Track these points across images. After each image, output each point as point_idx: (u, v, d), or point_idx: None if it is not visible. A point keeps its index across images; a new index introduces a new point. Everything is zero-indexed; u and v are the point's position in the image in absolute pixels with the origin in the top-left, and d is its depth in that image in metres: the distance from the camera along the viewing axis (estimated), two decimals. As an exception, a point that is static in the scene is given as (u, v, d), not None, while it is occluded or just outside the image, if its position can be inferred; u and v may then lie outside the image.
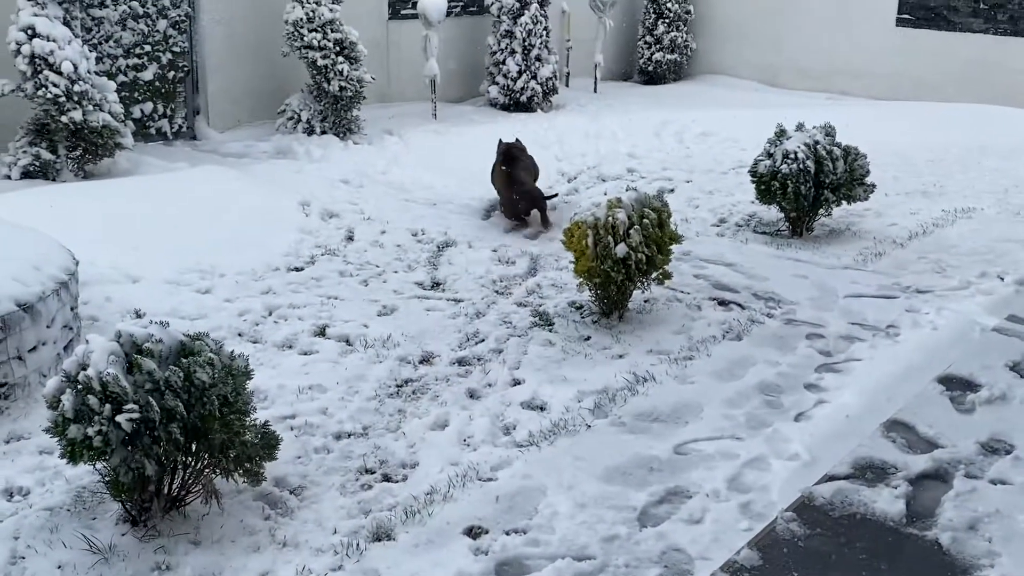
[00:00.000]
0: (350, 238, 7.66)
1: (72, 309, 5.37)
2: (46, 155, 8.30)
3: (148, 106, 9.98)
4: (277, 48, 10.40)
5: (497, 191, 8.44)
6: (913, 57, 13.79)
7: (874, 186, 7.89)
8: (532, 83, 12.29)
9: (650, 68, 14.99)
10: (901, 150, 10.33)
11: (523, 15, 12.27)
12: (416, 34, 11.60)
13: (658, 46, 14.90)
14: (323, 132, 10.17)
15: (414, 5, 11.76)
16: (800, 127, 7.92)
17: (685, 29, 15.00)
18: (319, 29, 10.02)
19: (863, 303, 6.48)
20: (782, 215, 8.07)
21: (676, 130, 11.40)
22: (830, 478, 4.42)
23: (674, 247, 6.23)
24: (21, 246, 5.38)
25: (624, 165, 10.14)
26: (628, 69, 15.51)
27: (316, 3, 10.04)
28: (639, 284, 6.18)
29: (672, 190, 9.25)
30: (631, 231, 5.95)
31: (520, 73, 12.28)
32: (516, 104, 12.34)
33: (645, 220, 6.02)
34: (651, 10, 14.93)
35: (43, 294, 5.02)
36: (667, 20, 14.85)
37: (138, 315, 4.63)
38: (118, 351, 3.91)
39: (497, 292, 6.72)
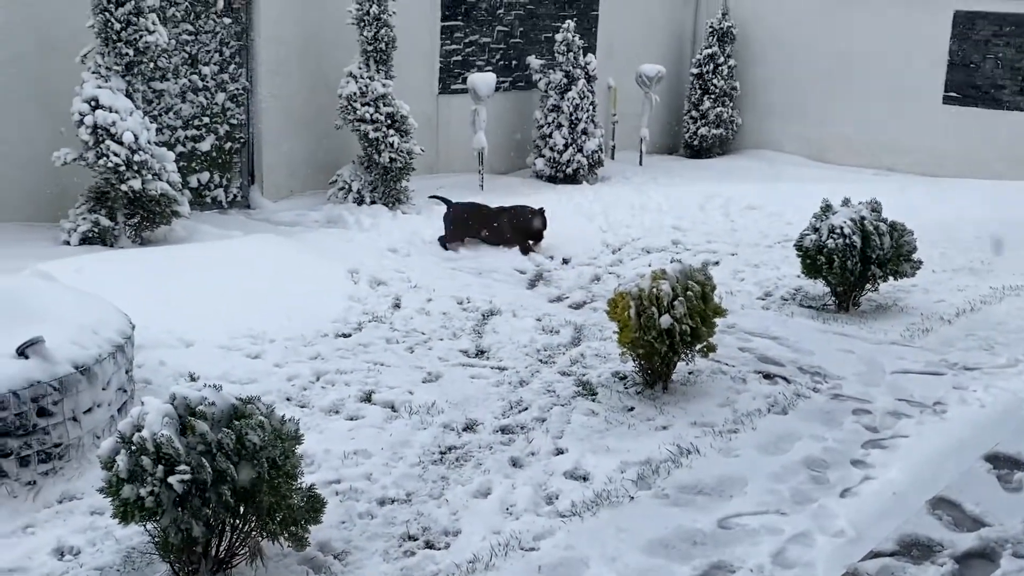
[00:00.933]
0: (397, 305, 7.79)
1: (127, 372, 5.50)
2: (105, 222, 8.55)
3: (205, 176, 10.27)
4: (330, 121, 10.68)
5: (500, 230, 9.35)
6: (960, 134, 13.80)
7: (921, 262, 7.88)
8: (578, 156, 12.47)
9: (695, 142, 15.13)
10: (948, 226, 10.31)
11: (570, 90, 12.49)
12: (465, 108, 11.87)
13: (703, 121, 15.06)
14: (373, 202, 10.39)
15: (464, 80, 12.05)
16: (846, 202, 7.96)
17: (731, 104, 15.16)
18: (372, 103, 10.29)
19: (910, 379, 6.44)
20: (828, 289, 8.08)
21: (721, 203, 11.48)
22: (875, 555, 4.37)
23: (719, 320, 6.26)
24: (80, 310, 5.53)
25: (669, 237, 10.22)
26: (674, 143, 15.67)
27: (370, 78, 10.32)
28: (683, 356, 6.20)
29: (717, 263, 9.31)
30: (675, 302, 5.99)
31: (566, 146, 12.47)
32: (562, 176, 12.51)
33: (689, 292, 6.06)
34: (697, 86, 15.12)
35: (100, 357, 5.15)
36: (713, 96, 15.02)
37: (192, 378, 4.75)
38: (172, 413, 4.01)
39: (541, 361, 6.79)
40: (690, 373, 6.48)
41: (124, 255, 7.90)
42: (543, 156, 12.63)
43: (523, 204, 9.73)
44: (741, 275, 8.94)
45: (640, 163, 13.96)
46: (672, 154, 15.48)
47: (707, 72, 14.98)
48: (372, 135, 10.26)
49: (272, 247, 8.46)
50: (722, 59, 14.98)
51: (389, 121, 10.36)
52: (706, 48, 15.03)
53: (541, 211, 9.50)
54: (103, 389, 5.17)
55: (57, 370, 4.92)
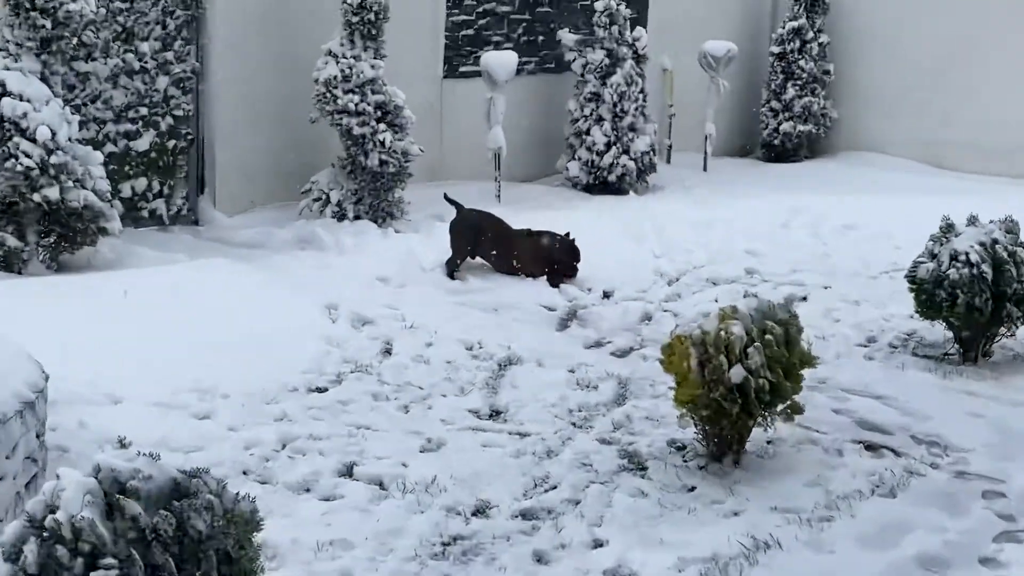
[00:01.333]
0: (387, 351, 7.81)
1: (38, 436, 5.52)
2: (12, 241, 8.64)
3: (141, 182, 10.36)
4: (303, 113, 10.76)
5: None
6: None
7: (1072, 299, 7.85)
8: (624, 158, 12.52)
9: (776, 141, 15.16)
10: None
11: (614, 73, 12.57)
12: (477, 96, 11.95)
13: (787, 114, 15.09)
14: (357, 217, 10.47)
15: (476, 61, 12.15)
16: (973, 220, 7.94)
17: (823, 93, 15.19)
18: (357, 90, 10.39)
19: (1058, 452, 6.41)
20: (950, 334, 8.05)
21: (810, 221, 11.51)
22: None
23: (806, 372, 6.26)
24: (-23, 354, 5.57)
25: (742, 265, 10.26)
26: (748, 142, 15.71)
27: (355, 58, 10.44)
28: (760, 419, 6.20)
29: (805, 298, 9.33)
30: (750, 350, 6.00)
31: (609, 146, 12.53)
32: (603, 184, 12.56)
33: (768, 336, 6.07)
34: (778, 69, 15.16)
35: (3, 416, 5.18)
36: (799, 82, 15.06)
37: (122, 445, 4.74)
38: (96, 490, 4.02)
39: (574, 425, 6.79)
40: (769, 442, 6.47)
41: (35, 284, 7.96)
42: (578, 159, 12.69)
43: (550, 231, 9.83)
44: (836, 314, 8.94)
45: (704, 168, 14.00)
46: (746, 157, 15.53)
47: (791, 51, 15.03)
48: (357, 131, 10.35)
49: (226, 275, 8.51)
50: (811, 34, 15.03)
51: (379, 113, 10.44)
52: (790, 20, 15.10)
53: (572, 242, 9.65)
54: (7, 458, 5.19)
55: (-53, 432, 4.96)
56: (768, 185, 13.16)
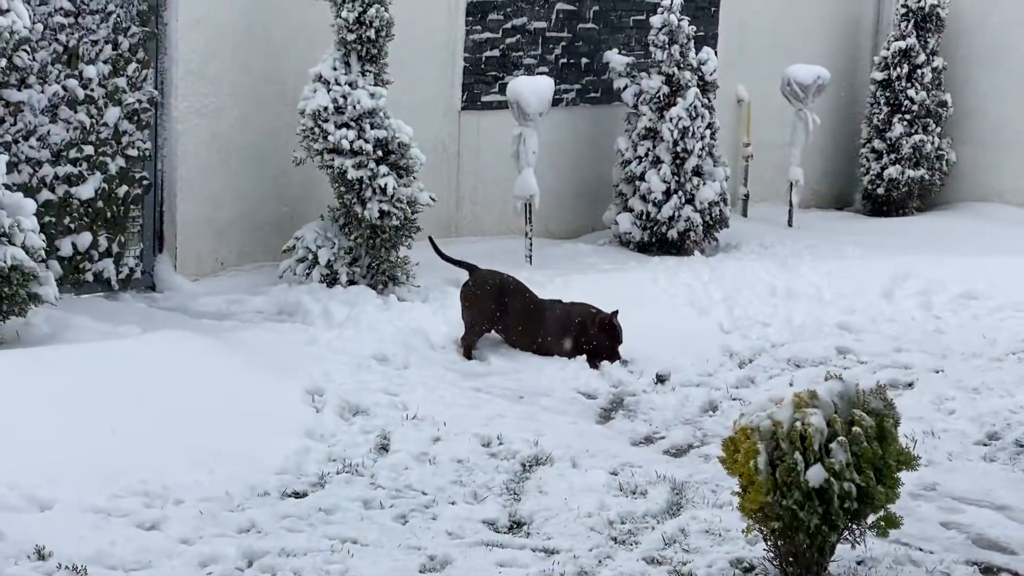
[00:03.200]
0: (383, 448, 7.84)
1: None
2: None
3: (85, 238, 10.47)
4: (285, 152, 10.92)
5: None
6: None
7: None
8: (687, 210, 12.61)
9: (880, 190, 15.19)
10: None
11: (674, 104, 12.69)
12: (504, 132, 12.09)
13: (894, 156, 15.13)
14: (351, 281, 10.57)
15: (503, 89, 12.28)
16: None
17: (938, 130, 15.23)
18: (352, 123, 10.51)
19: None
20: (1093, 429, 8.03)
21: (920, 289, 11.53)
22: None
23: (907, 475, 6.24)
24: None
25: (832, 342, 10.28)
26: (845, 191, 15.77)
27: (350, 84, 10.57)
28: (847, 534, 6.16)
29: (911, 384, 9.33)
30: (832, 445, 5.98)
31: (668, 194, 12.63)
32: (661, 242, 12.66)
33: (856, 428, 6.04)
34: (882, 100, 15.24)
35: None
36: (908, 116, 15.11)
37: (40, 556, 4.80)
38: (3, 610, 4.06)
39: (615, 540, 6.76)
40: (859, 563, 6.45)
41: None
42: (630, 210, 12.80)
43: (586, 303, 9.88)
44: (950, 404, 8.92)
45: (789, 223, 14.07)
46: (843, 208, 15.59)
47: (898, 78, 15.12)
48: (353, 174, 10.44)
49: (183, 352, 8.59)
50: (923, 57, 15.13)
51: (380, 152, 10.55)
52: (896, 39, 15.19)
53: (613, 318, 9.68)
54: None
55: None
56: (868, 244, 13.19)
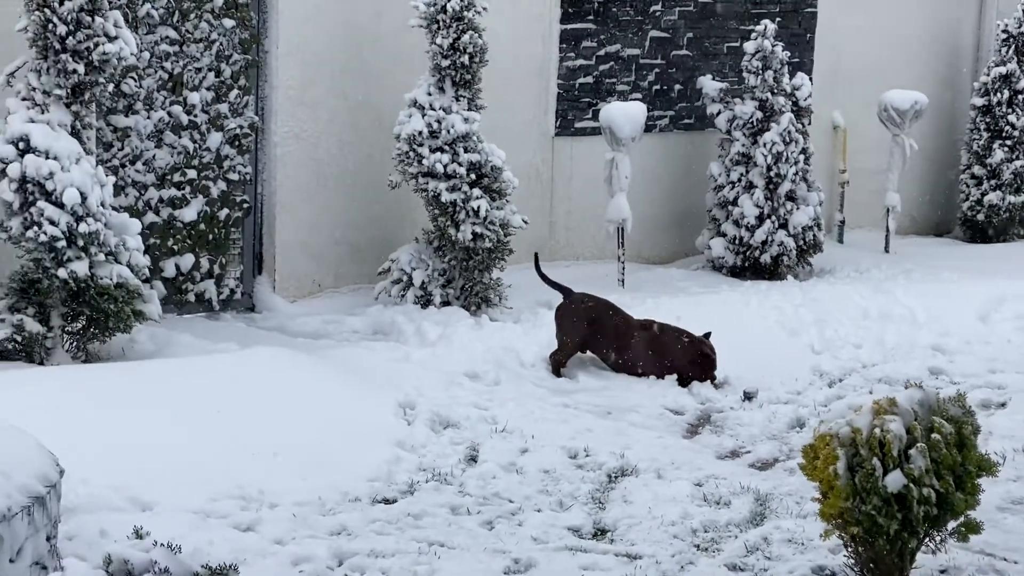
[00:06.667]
0: (472, 459, 8.12)
1: (49, 539, 5.85)
2: (32, 326, 9.03)
3: (187, 260, 10.82)
4: (381, 176, 11.21)
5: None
6: None
7: None
8: (780, 235, 12.72)
9: (980, 216, 15.11)
10: None
11: (768, 130, 12.78)
12: (596, 157, 12.27)
13: (994, 182, 15.05)
14: (445, 302, 10.82)
15: (595, 115, 12.48)
16: None
17: (1039, 156, 15.19)
18: (446, 147, 10.75)
19: None
20: None
21: (1017, 312, 11.53)
22: None
23: (992, 488, 6.42)
24: (-19, 442, 5.97)
25: (925, 363, 10.36)
26: (943, 217, 15.71)
27: (444, 109, 10.81)
28: (927, 540, 6.27)
29: (1003, 404, 9.40)
30: (911, 452, 6.07)
31: (761, 219, 12.74)
32: (754, 267, 12.78)
33: (935, 435, 6.12)
34: (982, 126, 15.18)
35: (8, 511, 5.51)
36: (1009, 142, 15.02)
37: (138, 535, 5.08)
38: (104, 584, 4.38)
39: (697, 547, 6.97)
40: (942, 572, 6.54)
41: (56, 373, 8.39)
42: (723, 235, 12.93)
43: (680, 327, 10.10)
44: (1043, 424, 8.93)
45: (886, 249, 14.09)
46: (941, 235, 15.52)
47: (999, 103, 15.06)
48: (446, 197, 10.69)
49: (282, 367, 8.91)
50: None
51: (474, 176, 10.81)
52: (997, 64, 15.15)
53: (707, 340, 9.91)
54: (11, 561, 5.49)
55: (-58, 527, 5.31)
56: (966, 269, 13.14)
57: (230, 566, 4.57)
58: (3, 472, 5.72)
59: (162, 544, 4.51)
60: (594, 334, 9.97)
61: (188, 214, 10.81)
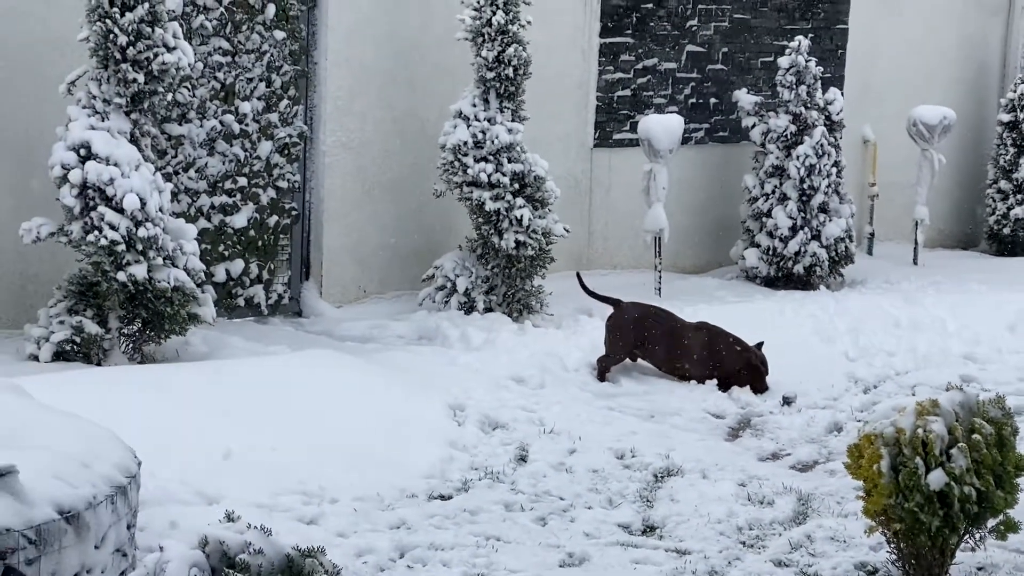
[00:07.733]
0: (522, 458, 8.36)
1: (129, 528, 6.09)
2: (91, 327, 9.29)
3: (237, 265, 11.08)
4: (426, 185, 11.45)
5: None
6: None
7: None
8: (813, 246, 12.93)
9: (1007, 230, 15.25)
10: None
11: (801, 143, 13.00)
12: (634, 169, 12.50)
13: (1020, 196, 15.17)
14: (488, 309, 11.04)
15: (634, 127, 12.71)
16: None
17: (1068, 170, 15.34)
18: (491, 157, 10.98)
19: None
20: None
21: (1047, 322, 11.69)
22: None
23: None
24: (65, 434, 6.17)
25: (957, 371, 10.51)
26: (970, 231, 15.89)
27: (489, 120, 11.03)
28: (968, 537, 6.43)
29: (1035, 411, 9.59)
30: (953, 451, 6.25)
31: (794, 230, 12.95)
32: (787, 277, 12.99)
33: (976, 435, 6.31)
34: (1008, 141, 15.31)
35: (93, 500, 5.74)
36: (1036, 156, 15.26)
37: (230, 518, 5.31)
38: (203, 563, 4.61)
39: (743, 544, 7.20)
40: (980, 568, 6.71)
41: (118, 372, 8.64)
42: (757, 245, 13.16)
43: (734, 334, 10.29)
44: (1073, 429, 9.11)
45: (915, 261, 14.29)
46: (968, 249, 15.70)
47: (1025, 119, 15.26)
48: (490, 206, 10.93)
49: (334, 368, 9.15)
50: (1050, 99, 15.25)
51: (517, 185, 11.04)
52: (1022, 81, 15.31)
53: (759, 349, 10.13)
54: (96, 548, 5.72)
55: (33, 514, 5.44)
56: (994, 282, 13.29)
57: (318, 548, 4.80)
58: (85, 463, 5.93)
59: (255, 527, 4.73)
60: (644, 340, 10.17)
61: (239, 221, 11.06)
